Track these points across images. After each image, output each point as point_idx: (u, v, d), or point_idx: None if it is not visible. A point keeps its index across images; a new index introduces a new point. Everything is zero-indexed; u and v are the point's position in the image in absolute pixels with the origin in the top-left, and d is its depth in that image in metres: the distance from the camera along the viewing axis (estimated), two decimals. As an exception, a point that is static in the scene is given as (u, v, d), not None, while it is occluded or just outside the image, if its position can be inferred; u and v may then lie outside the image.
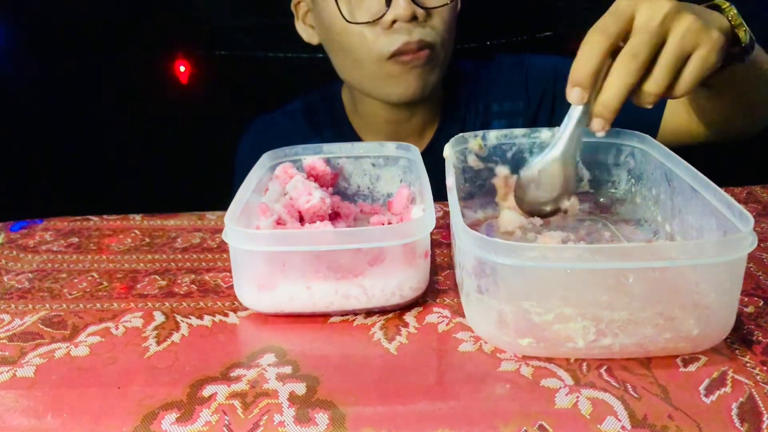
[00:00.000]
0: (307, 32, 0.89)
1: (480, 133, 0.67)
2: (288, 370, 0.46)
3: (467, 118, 0.93)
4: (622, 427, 0.40)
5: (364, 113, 0.91)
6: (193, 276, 0.61)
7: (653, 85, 0.53)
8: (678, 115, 0.81)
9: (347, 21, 0.78)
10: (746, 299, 0.52)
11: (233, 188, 0.93)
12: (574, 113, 0.56)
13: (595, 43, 0.52)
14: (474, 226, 0.65)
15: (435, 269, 0.60)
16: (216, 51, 1.41)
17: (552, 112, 0.92)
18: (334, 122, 0.94)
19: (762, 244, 0.61)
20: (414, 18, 0.77)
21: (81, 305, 0.56)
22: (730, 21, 0.58)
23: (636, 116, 0.79)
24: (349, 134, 0.93)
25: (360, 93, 0.87)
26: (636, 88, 0.53)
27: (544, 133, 0.66)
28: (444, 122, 0.92)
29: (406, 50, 0.78)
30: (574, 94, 0.54)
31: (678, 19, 0.52)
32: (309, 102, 0.97)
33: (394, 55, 0.78)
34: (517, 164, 0.68)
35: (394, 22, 0.77)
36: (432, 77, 0.82)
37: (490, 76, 0.94)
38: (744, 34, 0.59)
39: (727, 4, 0.59)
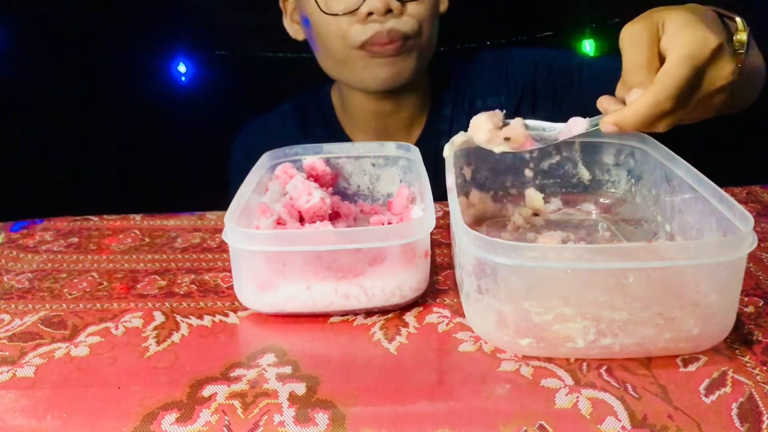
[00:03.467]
0: (293, 28, 0.91)
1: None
2: (288, 370, 0.46)
3: (454, 114, 0.93)
4: (622, 427, 0.40)
5: (352, 110, 0.92)
6: (193, 276, 0.61)
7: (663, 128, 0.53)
8: None
9: (323, 12, 0.79)
10: (746, 299, 0.52)
11: (229, 192, 0.94)
12: (587, 126, 0.55)
13: (658, 107, 0.50)
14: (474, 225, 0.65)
15: (435, 269, 0.60)
16: (216, 51, 1.41)
17: (534, 105, 0.91)
18: (324, 122, 0.95)
19: (762, 244, 0.61)
20: (389, 11, 0.78)
21: (81, 305, 0.56)
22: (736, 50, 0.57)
23: None
24: (338, 134, 0.93)
25: (342, 83, 0.89)
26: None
27: (544, 133, 0.66)
28: (431, 118, 0.93)
29: (377, 40, 0.79)
30: (609, 128, 0.52)
31: (721, 73, 0.52)
32: (299, 103, 0.98)
33: (365, 45, 0.79)
34: (517, 164, 0.68)
35: (369, 14, 0.78)
36: (407, 65, 0.83)
37: (474, 73, 0.94)
38: (737, 67, 0.57)
39: (742, 28, 0.57)
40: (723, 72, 0.52)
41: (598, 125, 0.54)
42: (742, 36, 0.57)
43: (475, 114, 0.92)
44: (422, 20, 0.81)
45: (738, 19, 0.58)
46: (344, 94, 0.91)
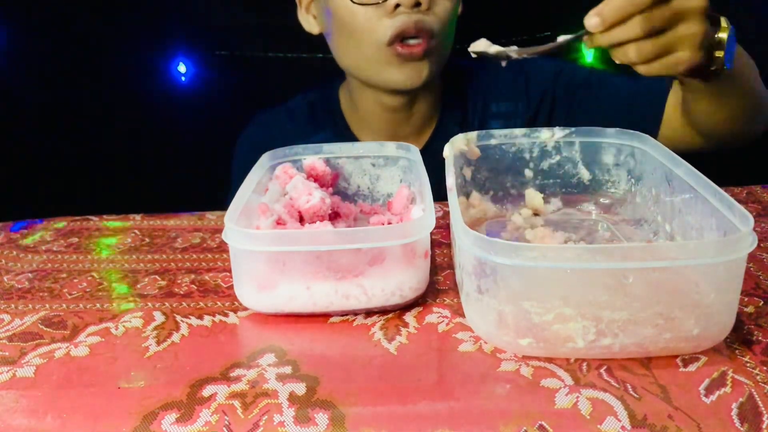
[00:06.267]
0: (309, 22, 0.90)
1: (481, 133, 0.67)
2: (288, 370, 0.46)
3: (465, 117, 0.93)
4: (622, 427, 0.40)
5: (362, 110, 0.91)
6: (193, 276, 0.61)
7: (635, 54, 0.58)
8: (672, 125, 0.82)
9: (353, 2, 0.79)
10: (746, 299, 0.52)
11: (232, 184, 0.94)
12: (566, 37, 0.61)
13: (640, 5, 0.56)
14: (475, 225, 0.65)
15: (435, 269, 0.60)
16: (216, 51, 1.42)
17: (551, 115, 0.92)
18: (332, 121, 0.94)
19: (762, 244, 0.61)
20: (417, 5, 0.78)
21: (81, 305, 0.56)
22: (716, 41, 0.62)
23: (633, 126, 0.79)
24: (346, 133, 0.93)
25: (360, 82, 0.88)
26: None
27: (544, 134, 0.66)
28: (442, 121, 0.92)
29: (405, 32, 0.78)
30: (592, 21, 0.57)
31: (696, 23, 0.57)
32: (308, 100, 0.97)
33: (393, 41, 0.79)
34: (517, 164, 0.68)
35: (397, 6, 0.78)
36: (431, 68, 0.83)
37: (489, 77, 0.94)
38: (716, 59, 0.62)
39: (726, 26, 0.62)
40: (695, 29, 0.57)
41: (582, 34, 0.59)
42: (723, 34, 0.62)
43: (488, 118, 0.92)
44: (446, 20, 0.81)
45: (722, 19, 0.62)
46: (355, 95, 0.91)
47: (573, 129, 0.66)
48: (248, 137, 0.97)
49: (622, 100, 0.87)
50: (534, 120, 0.92)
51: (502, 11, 1.32)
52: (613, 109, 0.87)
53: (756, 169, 0.92)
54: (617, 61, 0.60)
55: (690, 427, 0.39)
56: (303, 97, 0.98)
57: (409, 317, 0.52)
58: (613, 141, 0.66)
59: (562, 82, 0.92)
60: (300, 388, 0.44)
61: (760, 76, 0.75)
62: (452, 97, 0.93)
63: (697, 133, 0.79)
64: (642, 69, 0.60)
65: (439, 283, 0.57)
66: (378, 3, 0.78)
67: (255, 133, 0.97)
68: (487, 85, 0.94)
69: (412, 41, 0.80)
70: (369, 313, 0.53)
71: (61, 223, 0.73)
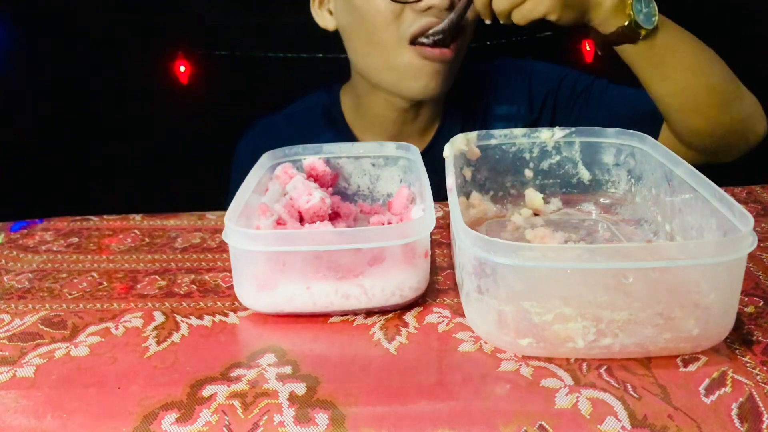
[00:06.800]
0: (324, 18, 0.88)
1: (481, 133, 0.67)
2: (288, 370, 0.46)
3: (467, 119, 0.93)
4: (622, 427, 0.40)
5: (368, 111, 0.90)
6: (193, 276, 0.61)
7: (497, 6, 0.70)
8: (664, 137, 0.82)
9: None
10: (746, 299, 0.52)
11: (230, 193, 0.94)
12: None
13: None
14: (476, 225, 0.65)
15: (435, 269, 0.60)
16: (216, 51, 1.42)
17: (553, 119, 0.92)
18: (333, 124, 0.93)
19: (762, 244, 0.61)
20: (451, 8, 0.77)
21: (81, 305, 0.56)
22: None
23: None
24: (347, 136, 0.92)
25: (374, 86, 0.86)
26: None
27: (544, 134, 0.66)
28: (444, 123, 0.92)
29: (431, 26, 0.78)
30: None
31: None
32: (307, 105, 0.96)
33: (418, 37, 0.78)
34: (517, 164, 0.68)
35: (429, 8, 0.77)
36: (450, 76, 0.82)
37: (493, 79, 0.94)
38: (624, 17, 0.69)
39: None
40: None
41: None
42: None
43: (490, 120, 0.93)
44: (472, 22, 0.81)
45: None
46: (362, 96, 0.90)
47: (573, 129, 0.66)
48: (247, 145, 0.96)
49: (622, 109, 0.87)
50: (537, 123, 0.92)
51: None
52: (612, 121, 0.87)
53: (756, 169, 0.92)
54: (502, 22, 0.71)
55: (690, 427, 0.39)
56: (301, 101, 0.97)
57: (409, 317, 0.52)
58: (613, 141, 0.66)
59: (565, 88, 0.92)
60: (300, 388, 0.44)
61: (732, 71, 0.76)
62: (456, 99, 0.93)
63: (687, 147, 0.80)
64: (515, 19, 0.69)
65: (439, 283, 0.57)
66: (410, 2, 0.77)
67: (254, 141, 0.96)
68: (490, 88, 0.93)
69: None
70: (369, 313, 0.53)
71: (61, 223, 0.73)
